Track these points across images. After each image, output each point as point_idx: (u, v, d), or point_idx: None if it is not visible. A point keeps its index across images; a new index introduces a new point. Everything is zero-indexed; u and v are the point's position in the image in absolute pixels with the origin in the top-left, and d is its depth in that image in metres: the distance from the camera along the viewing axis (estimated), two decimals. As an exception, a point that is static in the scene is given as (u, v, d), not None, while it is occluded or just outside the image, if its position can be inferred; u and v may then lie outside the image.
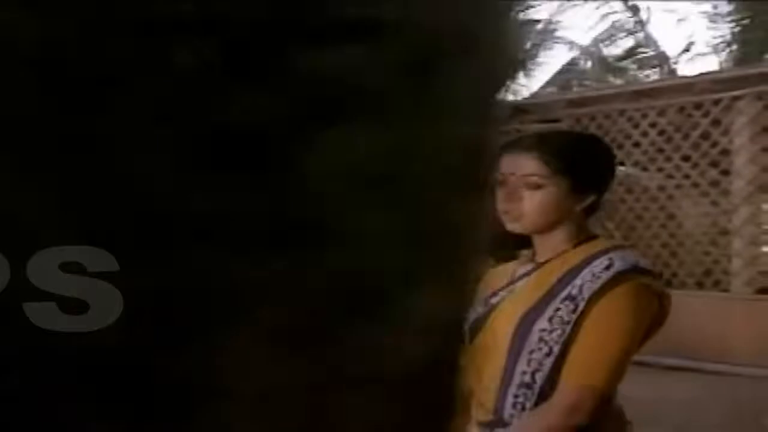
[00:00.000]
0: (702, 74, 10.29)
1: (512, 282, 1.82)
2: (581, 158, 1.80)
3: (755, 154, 8.55)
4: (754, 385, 7.18)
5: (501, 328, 1.76)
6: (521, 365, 1.72)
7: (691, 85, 9.42)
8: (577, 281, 1.70)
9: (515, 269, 1.86)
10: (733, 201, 8.85)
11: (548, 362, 1.70)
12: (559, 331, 1.70)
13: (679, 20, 18.05)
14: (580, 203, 1.79)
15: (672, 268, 9.58)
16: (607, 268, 1.71)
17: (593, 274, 1.70)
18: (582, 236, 1.81)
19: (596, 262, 1.72)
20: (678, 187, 9.54)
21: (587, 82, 17.66)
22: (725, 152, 8.97)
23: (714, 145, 8.94)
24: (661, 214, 9.80)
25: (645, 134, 9.62)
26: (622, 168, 9.90)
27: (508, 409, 1.72)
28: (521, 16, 19.35)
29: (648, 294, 1.74)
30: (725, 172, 8.98)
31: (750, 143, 8.54)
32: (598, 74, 17.34)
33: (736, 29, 15.79)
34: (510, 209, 1.75)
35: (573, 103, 10.59)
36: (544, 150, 1.77)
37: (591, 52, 17.72)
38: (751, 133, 8.55)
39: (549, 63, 24.09)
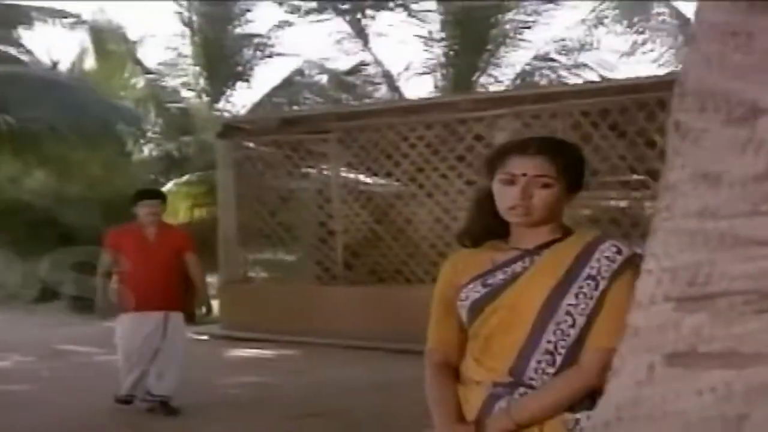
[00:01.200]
0: (466, 94, 11.42)
1: (504, 266, 2.09)
2: (576, 163, 2.13)
3: (515, 166, 9.77)
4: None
5: (524, 304, 2.03)
6: (548, 335, 2.00)
7: (455, 103, 10.49)
8: (594, 263, 2.01)
9: (492, 256, 2.13)
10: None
11: (573, 333, 1.99)
12: (583, 306, 1.99)
13: (399, 42, 19.30)
14: (569, 201, 2.13)
15: (440, 266, 10.59)
16: (619, 252, 2.02)
17: (608, 258, 2.01)
18: (563, 227, 2.15)
19: (603, 248, 2.03)
20: (445, 194, 10.56)
21: (311, 96, 18.46)
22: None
23: (478, 157, 10.02)
24: (429, 218, 10.80)
25: (413, 146, 10.51)
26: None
27: (529, 373, 2.01)
28: (241, 29, 19.80)
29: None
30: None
31: (511, 156, 9.69)
32: (326, 89, 18.17)
33: (450, 53, 17.50)
34: (523, 205, 2.03)
35: (343, 117, 11.21)
36: (552, 154, 2.07)
37: (317, 67, 18.52)
38: (511, 147, 9.71)
39: (270, 76, 24.53)
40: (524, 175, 2.04)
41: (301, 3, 18.27)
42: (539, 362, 2.01)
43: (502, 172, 2.08)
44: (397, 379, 8.09)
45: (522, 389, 2.01)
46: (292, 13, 18.26)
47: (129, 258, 6.35)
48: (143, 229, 6.42)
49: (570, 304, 2.00)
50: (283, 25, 19.04)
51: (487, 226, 2.16)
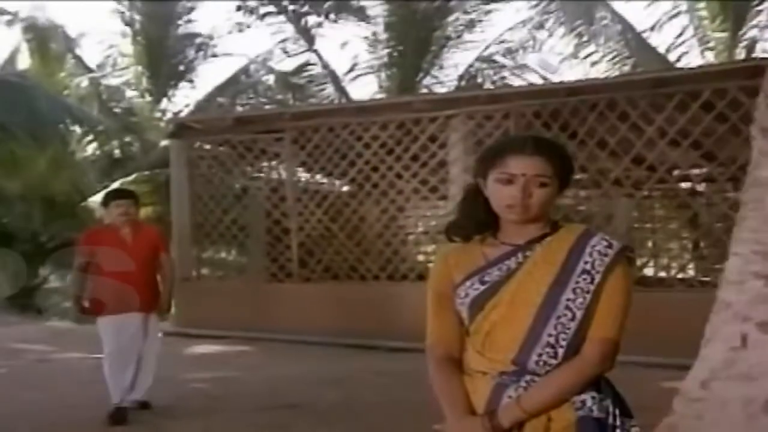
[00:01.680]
0: (419, 94, 11.60)
1: (498, 262, 2.14)
2: (567, 163, 2.17)
3: (468, 165, 10.00)
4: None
5: (522, 299, 2.09)
6: (549, 329, 2.07)
7: (409, 103, 10.70)
8: (587, 258, 2.08)
9: (484, 251, 2.17)
10: (449, 205, 10.29)
11: (573, 326, 2.06)
12: (581, 300, 2.06)
13: (343, 43, 19.46)
14: (558, 198, 2.19)
15: (394, 264, 10.85)
16: (610, 246, 2.10)
17: (600, 252, 2.09)
18: (551, 222, 2.18)
19: (593, 242, 2.11)
20: (399, 192, 10.77)
21: (255, 96, 18.50)
22: (442, 163, 10.34)
23: (432, 156, 10.28)
24: (384, 217, 11.01)
25: (368, 146, 10.70)
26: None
27: (531, 364, 2.08)
28: (183, 29, 19.71)
29: (632, 263, 2.18)
30: (443, 180, 10.37)
31: (464, 155, 9.94)
32: (272, 89, 18.22)
33: (394, 54, 17.74)
34: (522, 204, 2.07)
35: (296, 116, 11.32)
36: (548, 154, 2.11)
37: (262, 66, 18.56)
38: (464, 146, 9.98)
39: (213, 76, 24.32)
40: (523, 175, 2.08)
41: (248, 3, 18.28)
42: (540, 354, 2.07)
43: (500, 171, 2.10)
44: (356, 373, 8.30)
45: (528, 377, 2.08)
46: (239, 10, 18.25)
47: (107, 259, 6.19)
48: (119, 230, 6.28)
49: (569, 299, 2.07)
50: (232, 28, 19.03)
51: (479, 222, 2.19)
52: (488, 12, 18.20)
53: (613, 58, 16.37)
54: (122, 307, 6.12)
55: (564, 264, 2.10)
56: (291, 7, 18.18)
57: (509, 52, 17.66)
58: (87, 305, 6.33)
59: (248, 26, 18.42)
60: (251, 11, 18.45)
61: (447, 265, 2.21)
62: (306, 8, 18.13)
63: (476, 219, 2.20)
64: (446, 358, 2.22)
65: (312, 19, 18.30)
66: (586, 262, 2.09)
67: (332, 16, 17.91)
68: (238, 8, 18.43)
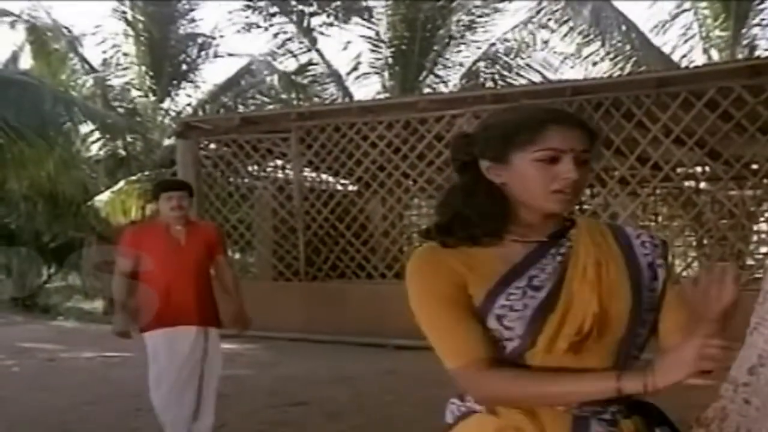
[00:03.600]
0: (425, 94, 11.66)
1: (531, 263, 1.71)
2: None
3: (474, 164, 10.09)
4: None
5: (584, 306, 1.67)
6: (634, 338, 1.72)
7: (415, 103, 10.76)
8: (643, 250, 1.77)
9: (494, 252, 1.72)
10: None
11: (650, 317, 1.75)
12: (651, 296, 1.74)
13: (347, 42, 19.49)
14: None
15: (401, 262, 10.90)
16: (653, 238, 1.81)
17: (652, 244, 1.79)
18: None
19: (634, 233, 1.80)
20: (406, 191, 10.84)
21: (259, 96, 18.57)
22: (448, 162, 10.39)
23: (439, 155, 10.34)
24: (391, 215, 11.08)
25: (374, 145, 10.76)
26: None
27: (621, 362, 1.70)
28: (185, 29, 19.77)
29: None
30: (449, 179, 10.41)
31: (471, 154, 10.00)
32: (275, 88, 18.28)
33: (397, 53, 17.79)
34: (575, 186, 1.68)
35: (303, 116, 11.38)
36: (587, 126, 1.73)
37: (265, 66, 18.61)
38: (470, 145, 10.02)
39: (216, 75, 24.30)
40: (572, 150, 1.67)
41: (258, 2, 18.37)
42: (627, 351, 1.72)
43: (538, 148, 1.66)
44: (364, 371, 8.37)
45: (614, 406, 1.68)
46: (248, 9, 18.33)
47: (155, 262, 5.06)
48: (169, 228, 5.13)
49: (650, 290, 1.75)
50: (239, 28, 19.09)
51: (501, 217, 1.73)
52: (491, 11, 18.25)
53: (615, 57, 16.42)
54: (174, 320, 5.02)
55: (626, 260, 1.75)
56: (299, 7, 18.23)
57: (511, 52, 17.70)
58: (141, 319, 5.12)
59: (257, 25, 18.46)
60: (260, 11, 18.50)
61: (450, 269, 1.71)
62: (313, 8, 18.17)
63: (498, 213, 1.72)
64: (492, 361, 1.66)
65: (317, 20, 18.36)
66: (645, 255, 1.77)
67: (341, 16, 17.95)
68: (247, 7, 18.48)
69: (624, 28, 16.15)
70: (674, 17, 17.11)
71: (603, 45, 16.43)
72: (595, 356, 1.67)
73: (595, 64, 16.95)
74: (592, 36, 16.49)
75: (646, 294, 1.73)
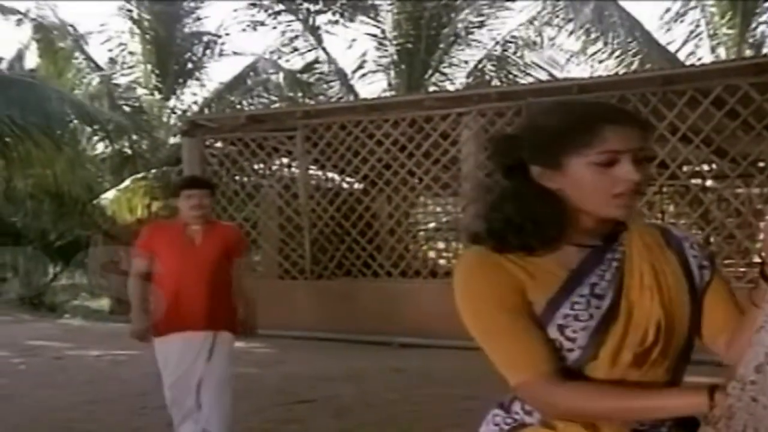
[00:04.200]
0: (431, 92, 11.66)
1: (589, 270, 1.62)
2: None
3: (480, 162, 10.06)
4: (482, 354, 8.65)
5: (646, 314, 1.59)
6: (690, 342, 1.66)
7: (421, 101, 10.76)
8: (693, 252, 1.69)
9: (550, 257, 1.62)
10: (461, 201, 10.34)
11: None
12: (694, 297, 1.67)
13: (352, 40, 19.51)
14: None
15: (407, 260, 10.92)
16: (687, 237, 1.73)
17: (698, 245, 1.72)
18: None
19: (681, 234, 1.73)
20: (412, 189, 10.84)
21: (265, 94, 18.59)
22: (454, 160, 10.41)
23: (444, 153, 10.33)
24: (396, 213, 11.08)
25: (380, 143, 10.76)
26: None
27: (681, 373, 1.65)
28: (190, 28, 19.81)
29: None
30: (455, 177, 10.43)
31: (476, 152, 10.00)
32: (281, 86, 18.30)
33: (403, 52, 17.80)
34: (637, 189, 1.58)
35: (309, 114, 11.38)
36: (644, 123, 1.65)
37: (271, 64, 18.64)
38: (476, 143, 10.04)
39: (221, 74, 24.33)
40: (629, 150, 1.56)
41: (256, 1, 18.38)
42: (682, 358, 1.65)
43: (597, 150, 1.55)
44: (370, 369, 8.38)
45: (669, 421, 1.60)
46: (253, 7, 18.35)
47: (168, 263, 4.83)
48: (187, 228, 4.86)
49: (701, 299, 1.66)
50: (245, 26, 19.12)
51: (564, 223, 1.61)
52: (496, 9, 18.24)
53: (620, 55, 16.40)
54: (184, 324, 4.78)
55: (681, 264, 1.67)
56: (304, 5, 18.24)
57: (517, 49, 17.70)
58: (156, 323, 4.88)
59: (262, 23, 18.48)
60: (265, 9, 18.52)
61: (509, 273, 1.60)
62: (319, 6, 18.18)
63: (556, 221, 1.60)
64: (560, 373, 1.56)
65: (322, 18, 18.38)
66: (695, 257, 1.68)
67: (347, 14, 17.96)
68: (253, 5, 18.51)
69: (628, 26, 16.13)
70: (681, 15, 17.08)
71: (606, 44, 16.43)
72: (660, 368, 1.60)
73: (601, 62, 16.96)
74: (596, 34, 16.47)
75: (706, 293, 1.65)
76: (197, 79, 20.01)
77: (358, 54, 23.33)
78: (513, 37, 17.84)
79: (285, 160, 12.37)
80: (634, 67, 16.08)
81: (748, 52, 15.92)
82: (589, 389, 1.55)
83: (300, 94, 17.90)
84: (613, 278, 1.60)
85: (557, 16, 17.10)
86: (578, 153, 1.55)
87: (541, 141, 1.59)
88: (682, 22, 17.16)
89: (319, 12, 18.31)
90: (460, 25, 18.15)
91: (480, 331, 1.61)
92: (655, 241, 1.66)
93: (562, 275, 1.60)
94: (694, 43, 16.96)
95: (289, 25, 18.64)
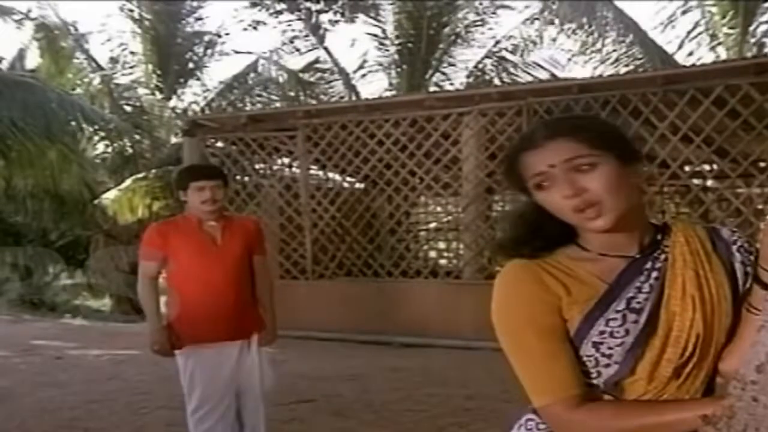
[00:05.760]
0: (432, 92, 11.64)
1: (627, 283, 1.58)
2: (607, 128, 1.64)
3: (481, 162, 10.10)
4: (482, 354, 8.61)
5: (691, 319, 1.54)
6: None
7: (422, 101, 10.75)
8: (740, 257, 1.63)
9: (587, 268, 1.61)
10: (462, 201, 10.34)
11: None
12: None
13: (352, 41, 19.49)
14: (636, 175, 1.62)
15: (407, 260, 10.92)
16: (735, 240, 1.66)
17: (746, 250, 1.65)
18: (646, 220, 1.67)
19: (731, 235, 1.66)
20: (412, 189, 10.83)
21: (266, 94, 18.60)
22: (455, 160, 10.40)
23: (445, 153, 10.33)
24: (397, 213, 11.07)
25: (380, 143, 10.76)
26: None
27: (713, 384, 1.60)
28: (191, 27, 19.83)
29: None
30: (456, 177, 10.42)
31: (477, 152, 10.02)
32: (282, 86, 18.30)
33: (404, 51, 17.81)
34: (584, 198, 1.54)
35: (310, 114, 11.37)
36: (571, 129, 1.60)
37: (272, 63, 18.64)
38: (477, 143, 10.04)
39: (222, 73, 24.37)
40: (552, 166, 1.56)
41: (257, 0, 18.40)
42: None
43: (530, 178, 1.59)
44: (371, 369, 8.39)
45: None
46: (254, 6, 18.35)
47: (187, 265, 4.31)
48: (201, 224, 4.31)
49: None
50: (246, 25, 19.14)
51: (554, 236, 1.64)
52: (497, 9, 18.26)
53: (621, 56, 16.40)
54: (214, 334, 4.27)
55: (727, 270, 1.61)
56: (305, 5, 18.25)
57: (517, 49, 17.71)
58: (176, 333, 4.34)
59: (264, 23, 18.49)
60: (266, 8, 18.53)
61: (548, 290, 1.59)
62: (320, 5, 18.20)
63: (548, 233, 1.64)
64: (584, 397, 1.55)
65: (323, 17, 18.39)
66: (742, 263, 1.62)
67: (347, 14, 17.97)
68: (253, 4, 18.51)
69: (627, 26, 16.12)
70: (682, 14, 17.07)
71: (604, 45, 16.42)
72: (696, 380, 1.56)
73: (603, 62, 16.95)
74: (596, 34, 16.47)
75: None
76: (198, 78, 20.02)
77: (359, 54, 23.34)
78: (514, 36, 17.83)
79: (286, 160, 12.36)
80: (635, 66, 16.08)
81: (749, 53, 15.91)
82: (606, 412, 1.53)
83: (301, 94, 17.89)
84: (652, 290, 1.57)
85: (558, 16, 17.08)
86: (526, 183, 1.61)
87: (505, 174, 1.68)
88: (679, 23, 17.16)
89: (320, 11, 18.31)
90: (460, 25, 18.16)
91: (509, 349, 1.62)
92: (701, 246, 1.62)
93: (601, 289, 1.57)
94: (697, 42, 16.96)
95: (290, 25, 18.66)
